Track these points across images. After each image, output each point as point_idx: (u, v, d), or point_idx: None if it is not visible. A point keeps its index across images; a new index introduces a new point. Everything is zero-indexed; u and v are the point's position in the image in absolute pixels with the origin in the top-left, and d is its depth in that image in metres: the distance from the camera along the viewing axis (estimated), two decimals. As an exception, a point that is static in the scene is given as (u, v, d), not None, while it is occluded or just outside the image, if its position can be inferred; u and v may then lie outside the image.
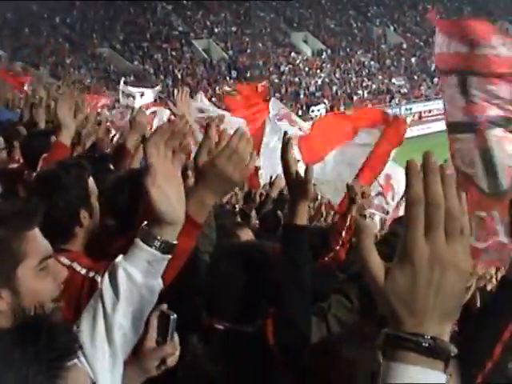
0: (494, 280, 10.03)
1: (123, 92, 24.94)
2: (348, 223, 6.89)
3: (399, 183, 14.61)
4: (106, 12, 65.16)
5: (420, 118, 59.45)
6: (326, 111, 53.80)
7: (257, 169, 14.06)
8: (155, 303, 2.48)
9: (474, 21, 8.73)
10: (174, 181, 2.36)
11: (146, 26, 65.09)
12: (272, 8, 73.72)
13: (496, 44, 7.74)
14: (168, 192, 2.32)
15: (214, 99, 31.74)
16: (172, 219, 2.34)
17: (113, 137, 13.80)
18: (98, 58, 58.62)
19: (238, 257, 3.40)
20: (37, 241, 2.29)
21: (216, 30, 67.93)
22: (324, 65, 66.70)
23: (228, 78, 59.20)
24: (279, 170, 12.61)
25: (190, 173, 3.89)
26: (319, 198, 14.12)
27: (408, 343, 1.33)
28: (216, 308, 3.28)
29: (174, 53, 62.18)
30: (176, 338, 2.56)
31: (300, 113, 53.64)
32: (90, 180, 3.95)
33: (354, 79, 65.70)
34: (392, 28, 76.67)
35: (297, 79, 62.60)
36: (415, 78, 68.20)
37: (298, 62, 65.93)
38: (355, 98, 59.90)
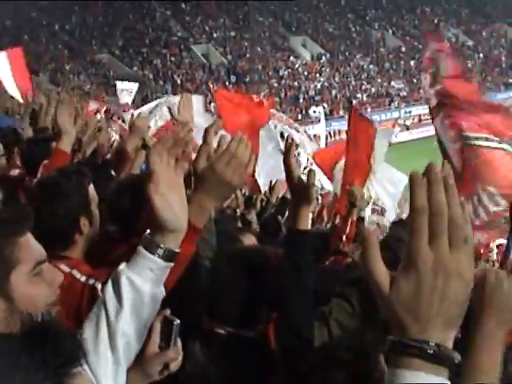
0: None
1: (121, 90, 24.89)
2: (348, 227, 6.91)
3: (395, 184, 14.70)
4: (105, 18, 65.25)
5: (420, 120, 59.51)
6: (326, 114, 53.84)
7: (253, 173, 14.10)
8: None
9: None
10: (176, 188, 2.37)
11: (145, 31, 65.19)
12: (270, 12, 73.84)
13: None
14: (171, 200, 2.32)
15: (213, 104, 31.68)
16: (175, 227, 2.34)
17: (113, 143, 13.80)
18: (97, 64, 58.71)
19: (240, 261, 3.40)
20: (29, 246, 2.26)
21: (215, 35, 68.05)
22: (323, 69, 66.76)
23: (227, 83, 59.24)
24: (276, 175, 12.66)
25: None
26: (319, 201, 14.17)
27: (413, 350, 1.35)
28: (217, 312, 3.27)
29: (173, 58, 62.27)
30: (179, 343, 2.56)
31: (299, 117, 53.72)
32: (91, 187, 3.94)
33: (353, 83, 65.77)
34: (391, 31, 76.77)
35: (296, 83, 62.67)
36: (414, 81, 68.17)
37: (297, 66, 66.00)
38: (354, 101, 59.87)
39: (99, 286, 3.27)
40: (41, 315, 2.18)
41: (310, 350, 3.18)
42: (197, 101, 16.99)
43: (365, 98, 62.95)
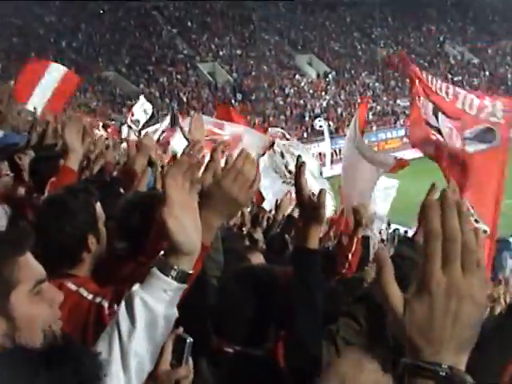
0: (502, 300, 9.98)
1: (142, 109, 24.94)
2: (354, 246, 6.89)
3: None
4: (112, 36, 65.46)
5: (425, 139, 59.45)
6: (331, 132, 53.87)
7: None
8: None
9: None
10: (190, 211, 2.39)
11: (152, 49, 65.37)
12: (276, 30, 74.06)
13: None
14: (185, 222, 2.33)
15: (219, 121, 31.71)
16: (189, 249, 2.36)
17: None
18: (103, 81, 58.85)
19: (248, 280, 3.41)
20: (29, 266, 2.27)
21: (221, 53, 68.23)
22: (329, 87, 66.86)
23: (233, 101, 59.32)
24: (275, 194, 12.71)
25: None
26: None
27: (426, 372, 1.37)
28: (225, 331, 3.27)
29: (179, 76, 62.40)
30: (190, 361, 2.55)
31: (305, 135, 53.77)
32: (98, 205, 3.95)
33: (359, 101, 65.80)
34: (396, 49, 76.90)
35: (302, 101, 62.73)
36: (420, 99, 68.28)
37: (302, 84, 66.09)
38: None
39: (106, 304, 3.27)
40: (43, 333, 2.18)
41: (319, 369, 3.18)
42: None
43: (370, 116, 62.90)
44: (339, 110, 62.89)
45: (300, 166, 3.51)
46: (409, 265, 3.32)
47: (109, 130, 25.47)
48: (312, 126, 56.93)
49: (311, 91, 65.35)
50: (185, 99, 58.46)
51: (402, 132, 60.11)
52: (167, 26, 69.92)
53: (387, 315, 1.47)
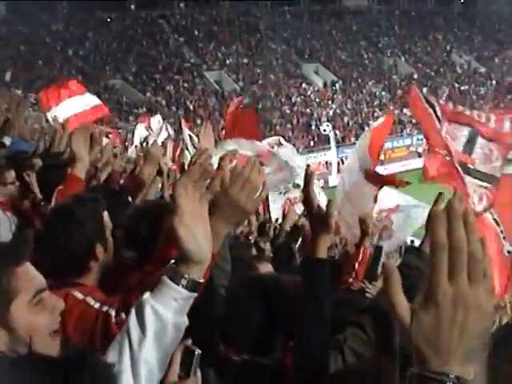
0: (508, 309, 9.98)
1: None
2: (361, 255, 6.89)
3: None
4: (119, 44, 65.58)
5: (432, 147, 59.43)
6: (338, 141, 53.89)
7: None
8: None
9: None
10: (201, 220, 2.40)
11: (158, 57, 65.44)
12: (283, 39, 74.10)
13: None
14: (195, 231, 2.35)
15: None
16: (199, 258, 2.37)
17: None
18: (110, 89, 58.88)
19: (255, 288, 3.42)
20: (28, 276, 2.30)
21: (227, 62, 68.26)
22: (335, 96, 66.80)
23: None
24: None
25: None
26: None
27: (433, 382, 1.37)
28: (233, 339, 3.28)
29: (185, 84, 62.44)
30: (198, 373, 2.56)
31: (312, 144, 53.75)
32: (105, 214, 3.96)
33: (366, 110, 65.75)
34: (403, 58, 76.85)
35: (308, 110, 62.67)
36: (427, 108, 68.20)
37: (309, 92, 66.05)
38: (366, 128, 59.74)
39: (113, 313, 3.27)
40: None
41: (326, 379, 3.18)
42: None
43: (377, 125, 62.85)
44: (346, 119, 62.83)
45: (309, 176, 3.51)
46: (416, 274, 3.33)
47: (110, 136, 25.34)
48: (318, 135, 56.89)
49: (318, 100, 65.30)
50: (191, 107, 58.47)
51: (408, 141, 60.11)
52: (174, 34, 70.05)
53: (394, 325, 1.47)
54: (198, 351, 2.52)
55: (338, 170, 47.40)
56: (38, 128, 15.70)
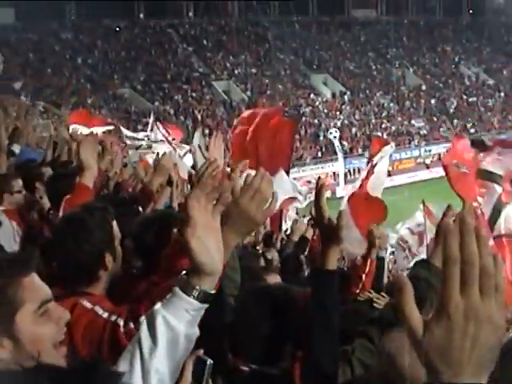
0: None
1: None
2: (368, 267, 6.90)
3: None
4: (127, 53, 65.74)
5: (440, 159, 59.40)
6: (345, 152, 53.93)
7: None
8: None
9: None
10: (213, 232, 2.40)
11: (167, 67, 65.62)
12: (292, 50, 74.22)
13: None
14: (207, 243, 2.35)
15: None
16: (211, 270, 2.37)
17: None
18: (119, 98, 59.06)
19: (264, 299, 3.44)
20: (34, 286, 2.31)
21: (236, 72, 68.40)
22: (343, 106, 66.87)
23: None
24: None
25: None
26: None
27: None
28: (241, 349, 3.28)
29: (194, 94, 62.58)
30: (210, 383, 2.56)
31: (319, 154, 53.75)
32: (114, 223, 3.96)
33: (374, 121, 65.78)
34: (411, 70, 76.92)
35: (316, 121, 62.71)
36: (435, 119, 68.23)
37: (317, 103, 66.12)
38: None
39: (121, 323, 3.27)
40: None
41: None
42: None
43: (385, 136, 62.82)
44: (354, 130, 62.87)
45: (320, 187, 3.52)
46: (424, 286, 3.33)
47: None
48: (326, 145, 56.94)
49: (326, 111, 65.37)
50: (199, 117, 58.48)
51: (416, 152, 60.18)
52: (183, 44, 70.25)
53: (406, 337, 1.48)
54: (209, 361, 2.52)
55: (346, 182, 47.44)
56: (46, 136, 15.75)
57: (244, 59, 69.95)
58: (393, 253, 17.06)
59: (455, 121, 68.41)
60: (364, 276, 6.87)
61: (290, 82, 68.86)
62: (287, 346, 3.29)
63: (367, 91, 70.82)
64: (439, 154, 59.22)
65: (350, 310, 5.11)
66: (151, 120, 25.68)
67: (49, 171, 7.15)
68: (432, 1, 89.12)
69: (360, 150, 56.71)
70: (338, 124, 62.94)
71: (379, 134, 62.82)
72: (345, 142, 58.00)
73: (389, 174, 48.55)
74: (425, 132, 65.72)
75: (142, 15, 72.31)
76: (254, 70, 69.11)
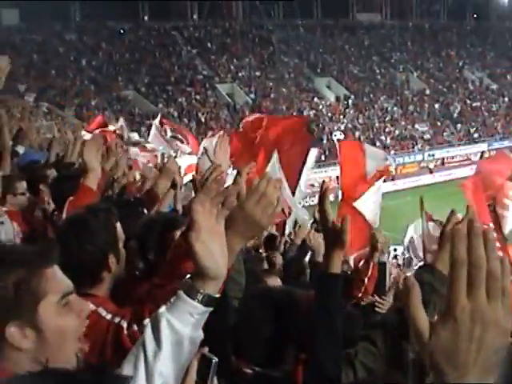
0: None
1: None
2: (370, 270, 6.92)
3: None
4: (132, 55, 65.76)
5: (443, 163, 59.52)
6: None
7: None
8: None
9: None
10: (217, 237, 2.41)
11: (171, 69, 65.63)
12: (296, 53, 74.25)
13: None
14: (212, 248, 2.35)
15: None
16: (216, 274, 2.38)
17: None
18: (122, 100, 59.07)
19: (268, 301, 3.44)
20: (56, 278, 2.34)
21: (240, 75, 68.39)
22: (347, 110, 66.83)
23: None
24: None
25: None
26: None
27: None
28: (244, 351, 3.28)
29: (198, 96, 62.56)
30: (215, 381, 2.56)
31: (323, 158, 53.69)
32: (118, 225, 3.97)
33: (377, 125, 65.71)
34: (415, 74, 76.87)
35: (320, 124, 62.68)
36: (438, 123, 68.18)
37: (321, 107, 66.08)
38: (378, 143, 59.71)
39: (125, 325, 3.28)
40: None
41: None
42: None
43: (388, 141, 62.83)
44: (357, 134, 62.80)
45: (324, 191, 3.52)
46: (428, 290, 3.33)
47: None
48: (330, 149, 56.90)
49: (329, 114, 65.32)
50: (203, 120, 58.52)
51: (419, 157, 60.11)
52: (187, 46, 70.27)
53: (410, 339, 1.49)
54: (215, 359, 2.52)
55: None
56: (49, 137, 15.76)
57: (248, 62, 69.95)
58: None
59: (459, 125, 68.36)
60: (366, 280, 6.88)
61: (293, 85, 68.87)
62: (290, 348, 3.29)
63: (371, 95, 70.79)
64: (442, 159, 59.32)
65: (351, 313, 5.12)
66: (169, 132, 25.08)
67: (53, 173, 7.15)
68: (436, 5, 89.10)
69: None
70: (342, 128, 62.92)
71: (383, 137, 62.92)
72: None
73: (392, 178, 48.77)
74: (428, 136, 65.66)
75: (146, 17, 72.39)
76: (257, 73, 69.10)
